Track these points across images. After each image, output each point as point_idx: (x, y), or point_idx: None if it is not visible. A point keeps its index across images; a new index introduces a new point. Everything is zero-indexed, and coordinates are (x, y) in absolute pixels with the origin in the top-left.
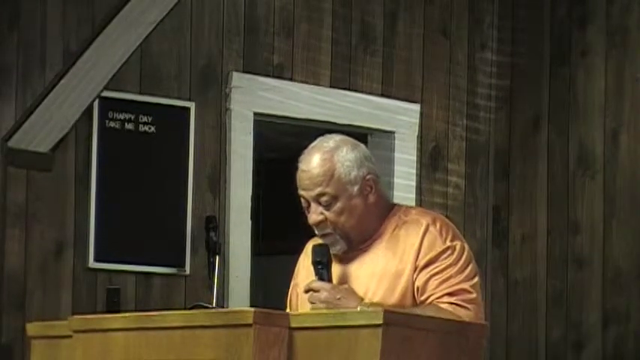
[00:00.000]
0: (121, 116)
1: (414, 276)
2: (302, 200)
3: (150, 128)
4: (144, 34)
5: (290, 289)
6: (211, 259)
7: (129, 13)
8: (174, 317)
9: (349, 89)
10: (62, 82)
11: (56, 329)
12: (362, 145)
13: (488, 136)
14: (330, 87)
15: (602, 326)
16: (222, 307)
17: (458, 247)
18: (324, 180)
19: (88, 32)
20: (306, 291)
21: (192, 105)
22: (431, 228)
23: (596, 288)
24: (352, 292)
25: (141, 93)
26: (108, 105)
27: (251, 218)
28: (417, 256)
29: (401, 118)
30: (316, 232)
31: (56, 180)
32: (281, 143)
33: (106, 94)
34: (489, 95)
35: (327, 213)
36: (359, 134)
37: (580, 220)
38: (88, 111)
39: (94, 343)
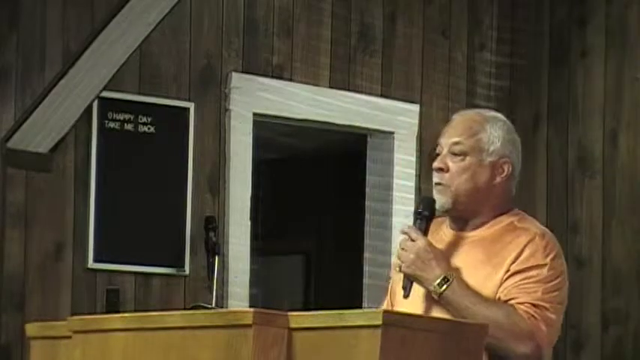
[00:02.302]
0: (121, 117)
1: (503, 277)
2: (437, 148)
3: (149, 129)
4: (143, 34)
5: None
6: (211, 260)
7: (128, 13)
8: (174, 318)
9: (348, 90)
10: (62, 82)
11: (55, 330)
12: (519, 140)
13: None
14: (330, 87)
15: (602, 327)
16: (222, 308)
17: (557, 268)
18: (466, 133)
19: (87, 32)
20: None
21: (191, 105)
22: (537, 239)
23: (595, 288)
24: (444, 260)
25: (140, 93)
26: (107, 105)
27: (250, 219)
28: (514, 262)
29: (400, 119)
30: (434, 179)
31: (55, 181)
32: (280, 144)
33: (105, 94)
34: (489, 96)
35: (451, 164)
36: (358, 135)
37: (579, 220)
38: (88, 111)
39: (93, 344)
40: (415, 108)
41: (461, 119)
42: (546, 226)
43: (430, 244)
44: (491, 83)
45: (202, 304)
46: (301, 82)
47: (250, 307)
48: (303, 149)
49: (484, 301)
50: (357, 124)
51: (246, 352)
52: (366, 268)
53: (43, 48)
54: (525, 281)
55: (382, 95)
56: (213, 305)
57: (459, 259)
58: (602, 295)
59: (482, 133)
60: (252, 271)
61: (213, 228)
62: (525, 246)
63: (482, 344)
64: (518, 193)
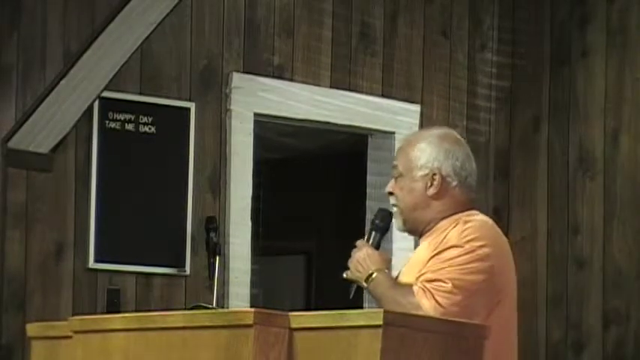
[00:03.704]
0: (121, 117)
1: (427, 263)
2: None
3: (150, 129)
4: (144, 34)
5: None
6: (211, 260)
7: (129, 13)
8: (175, 318)
9: (349, 90)
10: (62, 82)
11: (56, 330)
12: (458, 148)
13: (489, 137)
14: (330, 88)
15: (603, 327)
16: (223, 308)
17: (469, 250)
18: (400, 155)
19: (88, 33)
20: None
21: (192, 105)
22: (460, 224)
23: (596, 289)
24: (382, 261)
25: (141, 93)
26: (108, 105)
27: (251, 219)
28: (437, 247)
29: (401, 119)
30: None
31: (56, 181)
32: (281, 144)
33: (106, 94)
34: (489, 96)
35: (395, 186)
36: (359, 135)
37: (580, 220)
38: (88, 111)
39: (94, 344)
40: (416, 108)
41: (401, 144)
42: (547, 227)
43: (372, 251)
44: (492, 83)
45: (203, 304)
46: (302, 82)
47: (251, 307)
48: (303, 149)
49: (395, 287)
50: (358, 124)
51: (247, 352)
52: None
53: (44, 48)
54: (436, 262)
55: (383, 95)
56: (214, 305)
57: (410, 260)
58: (603, 295)
59: (411, 152)
60: (252, 271)
61: (213, 228)
62: (449, 232)
63: (482, 344)
64: (519, 193)
